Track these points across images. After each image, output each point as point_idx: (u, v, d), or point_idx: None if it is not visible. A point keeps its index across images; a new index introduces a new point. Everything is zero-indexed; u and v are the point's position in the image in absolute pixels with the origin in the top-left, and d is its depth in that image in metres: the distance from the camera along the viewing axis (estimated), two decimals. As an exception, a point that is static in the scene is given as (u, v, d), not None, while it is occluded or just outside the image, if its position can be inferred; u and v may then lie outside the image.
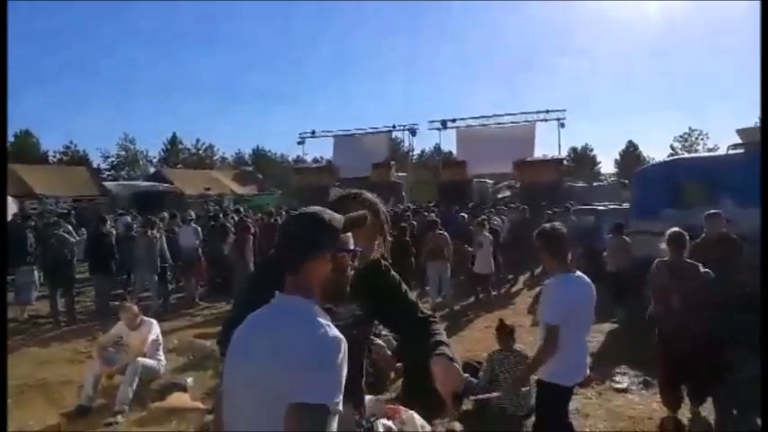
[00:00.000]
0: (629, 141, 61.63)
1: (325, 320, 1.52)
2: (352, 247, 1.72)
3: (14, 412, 5.47)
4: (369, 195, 2.23)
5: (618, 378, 6.06)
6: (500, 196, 28.35)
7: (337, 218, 1.65)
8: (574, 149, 59.09)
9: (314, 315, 1.53)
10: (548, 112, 29.34)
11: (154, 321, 6.05)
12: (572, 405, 5.24)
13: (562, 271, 3.47)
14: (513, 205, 16.89)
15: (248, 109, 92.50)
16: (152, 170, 42.30)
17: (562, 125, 29.07)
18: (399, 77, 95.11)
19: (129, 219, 15.60)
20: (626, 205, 12.35)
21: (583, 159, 60.16)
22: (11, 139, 44.65)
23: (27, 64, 68.27)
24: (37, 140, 49.42)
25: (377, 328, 6.52)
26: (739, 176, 7.86)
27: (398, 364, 5.99)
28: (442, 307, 9.78)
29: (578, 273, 3.53)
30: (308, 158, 37.99)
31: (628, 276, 8.38)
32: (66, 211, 19.25)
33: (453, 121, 30.92)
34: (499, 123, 30.70)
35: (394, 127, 32.91)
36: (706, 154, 20.38)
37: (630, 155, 59.49)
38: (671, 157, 16.37)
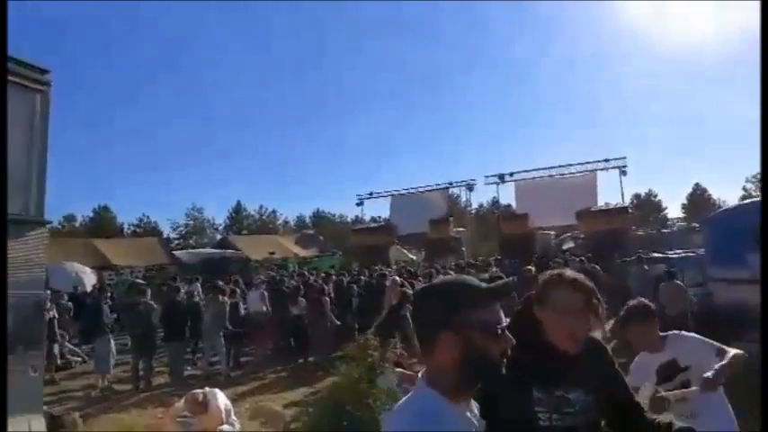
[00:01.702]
0: (696, 184, 59.10)
1: (414, 415, 1.36)
2: (496, 321, 1.41)
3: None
4: (570, 273, 2.10)
5: None
6: (564, 248, 27.64)
7: (473, 287, 1.43)
8: (637, 196, 57.31)
9: (406, 410, 1.41)
10: (608, 160, 28.81)
11: (217, 391, 6.08)
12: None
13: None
14: (575, 257, 16.37)
15: (308, 172, 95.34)
16: (218, 237, 43.95)
17: (624, 173, 28.41)
18: (453, 134, 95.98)
19: (198, 285, 16.14)
20: (700, 251, 11.83)
21: (647, 206, 58.13)
22: (90, 214, 47.89)
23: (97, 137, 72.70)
24: (113, 215, 52.56)
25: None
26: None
27: None
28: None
29: None
30: (367, 218, 38.52)
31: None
32: (142, 281, 20.16)
33: (511, 174, 30.81)
34: (559, 174, 30.34)
35: (451, 184, 33.11)
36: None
37: (699, 198, 57.04)
38: (748, 200, 15.63)
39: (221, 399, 5.93)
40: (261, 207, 61.00)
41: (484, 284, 1.46)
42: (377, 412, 4.80)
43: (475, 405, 1.51)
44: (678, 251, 13.32)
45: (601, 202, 28.43)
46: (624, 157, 28.63)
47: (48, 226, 3.90)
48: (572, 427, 1.93)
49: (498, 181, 30.99)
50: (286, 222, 62.46)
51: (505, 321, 1.44)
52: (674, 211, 59.35)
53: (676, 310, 8.76)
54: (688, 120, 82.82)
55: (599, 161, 29.21)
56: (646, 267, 10.75)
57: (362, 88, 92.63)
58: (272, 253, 31.32)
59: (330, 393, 5.07)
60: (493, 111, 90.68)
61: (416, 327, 1.47)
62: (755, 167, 54.18)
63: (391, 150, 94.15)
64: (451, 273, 13.13)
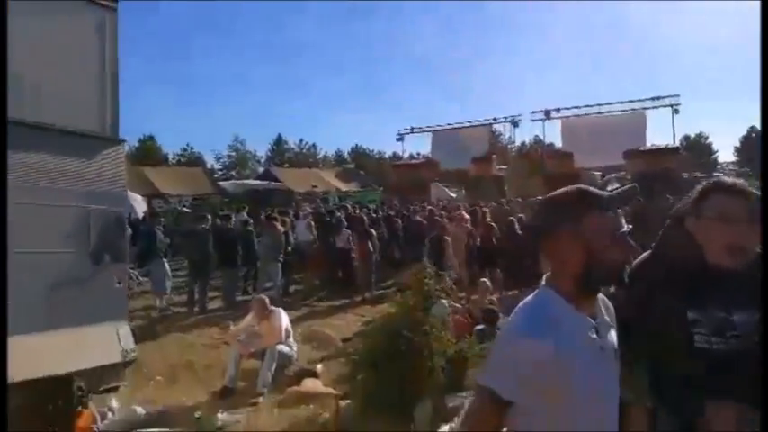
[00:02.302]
0: (752, 127, 56.05)
1: (531, 314, 1.46)
2: (616, 227, 1.44)
3: (167, 389, 6.09)
4: (728, 178, 1.86)
5: None
6: (609, 189, 26.96)
7: (594, 193, 1.48)
8: (686, 138, 54.93)
9: (526, 306, 1.50)
10: (659, 98, 27.60)
11: (282, 311, 6.46)
12: None
13: None
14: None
15: (347, 107, 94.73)
16: (260, 169, 44.54)
17: (676, 111, 27.17)
18: (500, 68, 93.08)
19: (245, 215, 16.56)
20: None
21: (697, 148, 55.74)
22: (135, 143, 48.98)
23: (143, 70, 73.61)
24: (158, 145, 53.63)
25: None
26: None
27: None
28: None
29: None
30: (405, 155, 38.26)
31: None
32: (189, 210, 20.81)
33: (558, 110, 29.87)
34: (607, 112, 29.28)
35: (495, 119, 32.36)
36: None
37: (754, 142, 54.28)
38: None
39: (284, 319, 6.28)
40: (301, 141, 61.33)
41: (605, 192, 1.50)
42: (431, 339, 5.00)
43: (611, 325, 1.55)
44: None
45: (649, 143, 27.47)
46: (677, 95, 27.34)
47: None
48: (736, 352, 1.72)
49: (544, 117, 30.10)
50: (326, 157, 62.67)
51: (627, 228, 1.45)
52: (724, 155, 56.99)
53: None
54: (746, 60, 77.96)
55: (650, 99, 28.01)
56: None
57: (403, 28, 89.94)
58: (315, 186, 31.70)
59: (385, 319, 5.26)
60: (541, 42, 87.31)
61: (538, 232, 1.52)
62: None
63: (433, 84, 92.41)
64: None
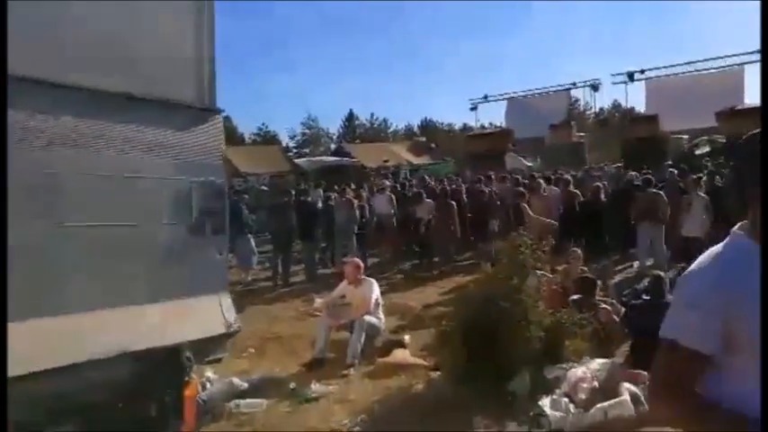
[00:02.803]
0: None
1: (719, 259, 1.40)
2: None
3: (258, 361, 6.20)
4: None
5: None
6: (698, 153, 25.27)
7: None
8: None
9: (712, 251, 1.44)
10: (758, 52, 25.36)
11: (373, 281, 6.40)
12: None
13: None
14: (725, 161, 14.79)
15: (416, 80, 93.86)
16: (333, 146, 45.03)
17: (779, 64, 24.93)
18: (579, 30, 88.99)
19: (321, 191, 16.72)
20: None
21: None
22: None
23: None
24: (234, 125, 55.23)
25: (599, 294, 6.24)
26: None
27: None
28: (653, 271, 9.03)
29: None
30: (478, 126, 37.43)
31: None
32: (267, 188, 21.25)
33: (642, 71, 28.11)
34: (697, 71, 27.29)
35: (574, 84, 30.97)
36: None
37: None
38: None
39: (376, 289, 6.23)
40: (372, 116, 61.41)
41: None
42: (528, 308, 4.77)
43: None
44: None
45: (748, 102, 25.35)
46: (783, 45, 25.00)
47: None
48: None
49: (627, 80, 28.47)
50: (396, 131, 62.50)
51: None
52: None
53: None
54: None
55: (748, 53, 25.81)
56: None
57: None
58: (386, 161, 31.62)
59: (479, 288, 5.07)
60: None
61: (732, 182, 1.41)
62: None
63: (506, 51, 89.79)
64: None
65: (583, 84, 30.55)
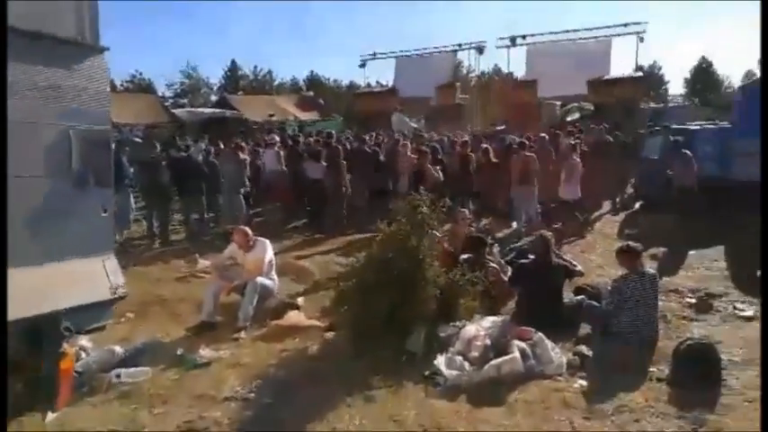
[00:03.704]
0: (702, 57, 56.09)
1: None
2: None
3: (141, 325, 5.77)
4: None
5: (741, 305, 5.78)
6: (569, 119, 27.04)
7: None
8: (640, 68, 55.06)
9: None
10: (626, 25, 27.31)
11: (266, 241, 6.15)
12: (701, 331, 5.10)
13: None
14: (594, 127, 15.85)
15: (302, 33, 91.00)
16: (214, 97, 42.74)
17: (641, 39, 27.05)
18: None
19: (203, 145, 15.80)
20: (723, 124, 11.54)
21: (651, 78, 56.02)
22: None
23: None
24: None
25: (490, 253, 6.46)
26: None
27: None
28: (528, 234, 9.54)
29: None
30: (363, 83, 37.22)
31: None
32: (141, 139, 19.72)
33: (524, 37, 29.20)
34: (569, 40, 28.86)
35: (460, 46, 31.45)
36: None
37: (703, 73, 54.74)
38: None
39: (269, 250, 5.99)
40: (256, 67, 58.91)
41: None
42: (425, 268, 4.82)
43: None
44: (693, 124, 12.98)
45: (612, 72, 27.35)
46: (645, 22, 27.05)
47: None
48: None
49: (509, 44, 29.43)
50: (282, 84, 60.58)
51: None
52: (675, 86, 57.39)
53: (688, 182, 8.94)
54: None
55: (617, 26, 27.66)
56: (673, 138, 10.46)
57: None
58: (272, 115, 30.64)
59: (378, 247, 5.02)
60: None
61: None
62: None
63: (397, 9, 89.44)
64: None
65: (468, 46, 31.18)
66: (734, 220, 8.48)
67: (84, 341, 4.65)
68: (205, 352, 4.82)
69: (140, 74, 52.94)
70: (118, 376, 4.28)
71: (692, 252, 7.99)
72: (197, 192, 10.33)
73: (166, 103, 39.60)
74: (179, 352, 4.76)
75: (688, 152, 9.28)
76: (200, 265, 8.14)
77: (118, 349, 4.61)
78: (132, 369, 4.40)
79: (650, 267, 5.50)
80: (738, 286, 6.37)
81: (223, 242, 8.86)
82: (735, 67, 69.29)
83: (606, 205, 12.06)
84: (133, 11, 75.63)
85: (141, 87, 49.30)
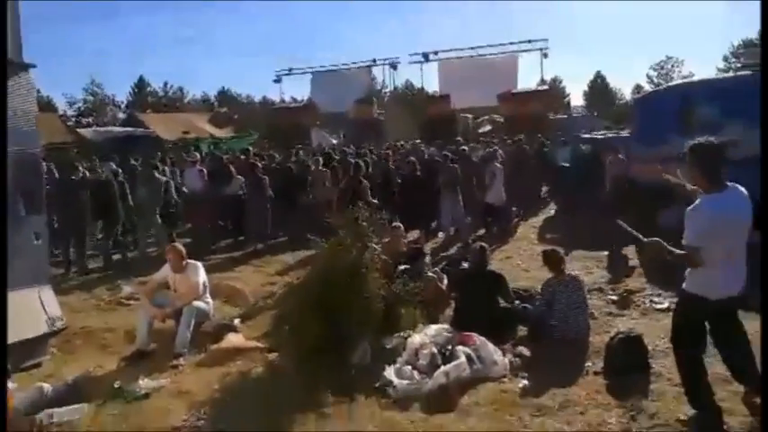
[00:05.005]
0: (597, 72, 60.98)
1: None
2: None
3: (68, 358, 5.40)
4: None
5: (657, 299, 6.24)
6: (481, 131, 28.18)
7: None
8: (543, 81, 58.46)
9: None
10: (530, 41, 28.94)
11: (199, 264, 5.94)
12: (624, 325, 5.46)
13: (712, 191, 3.28)
14: (506, 139, 16.66)
15: (216, 50, 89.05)
16: (121, 115, 40.82)
17: (545, 55, 28.77)
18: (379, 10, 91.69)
19: (113, 165, 15.02)
20: (624, 133, 12.48)
21: (555, 91, 59.61)
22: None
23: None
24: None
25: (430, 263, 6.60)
26: (748, 97, 7.92)
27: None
28: (457, 240, 9.87)
29: (732, 189, 3.33)
30: (278, 99, 37.00)
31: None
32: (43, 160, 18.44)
33: (436, 53, 30.24)
34: (479, 55, 30.18)
35: (374, 61, 32.04)
36: (713, 77, 20.13)
37: (599, 86, 59.45)
38: (682, 81, 16.22)
39: (202, 272, 5.79)
40: (166, 84, 57.09)
41: None
42: (368, 281, 4.86)
43: None
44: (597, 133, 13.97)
45: (519, 86, 28.84)
46: (546, 39, 28.83)
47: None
48: None
49: (422, 60, 30.41)
50: (193, 100, 58.92)
51: None
52: (576, 98, 61.38)
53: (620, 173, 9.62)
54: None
55: (522, 42, 29.30)
56: (582, 147, 11.19)
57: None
58: (186, 132, 29.71)
59: (320, 262, 5.01)
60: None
61: None
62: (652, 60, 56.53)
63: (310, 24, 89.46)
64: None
65: (383, 62, 31.82)
66: (640, 220, 9.13)
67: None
68: (144, 382, 4.59)
69: (39, 92, 49.87)
70: (50, 417, 3.98)
71: (605, 252, 8.49)
72: (111, 215, 9.80)
73: (69, 123, 37.52)
74: (116, 384, 4.48)
75: (618, 148, 9.91)
76: (123, 293, 7.75)
77: (46, 387, 4.30)
78: (65, 408, 4.11)
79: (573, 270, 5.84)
80: (652, 281, 6.86)
81: (144, 266, 8.48)
82: (625, 81, 75.66)
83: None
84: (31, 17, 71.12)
85: (41, 106, 46.32)
